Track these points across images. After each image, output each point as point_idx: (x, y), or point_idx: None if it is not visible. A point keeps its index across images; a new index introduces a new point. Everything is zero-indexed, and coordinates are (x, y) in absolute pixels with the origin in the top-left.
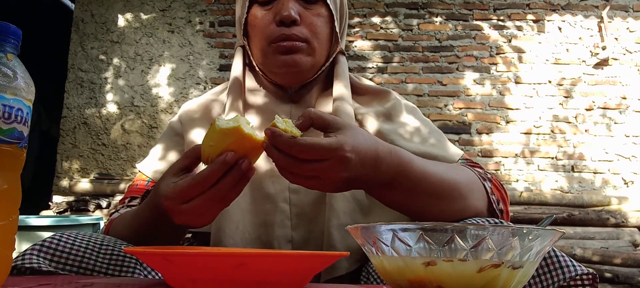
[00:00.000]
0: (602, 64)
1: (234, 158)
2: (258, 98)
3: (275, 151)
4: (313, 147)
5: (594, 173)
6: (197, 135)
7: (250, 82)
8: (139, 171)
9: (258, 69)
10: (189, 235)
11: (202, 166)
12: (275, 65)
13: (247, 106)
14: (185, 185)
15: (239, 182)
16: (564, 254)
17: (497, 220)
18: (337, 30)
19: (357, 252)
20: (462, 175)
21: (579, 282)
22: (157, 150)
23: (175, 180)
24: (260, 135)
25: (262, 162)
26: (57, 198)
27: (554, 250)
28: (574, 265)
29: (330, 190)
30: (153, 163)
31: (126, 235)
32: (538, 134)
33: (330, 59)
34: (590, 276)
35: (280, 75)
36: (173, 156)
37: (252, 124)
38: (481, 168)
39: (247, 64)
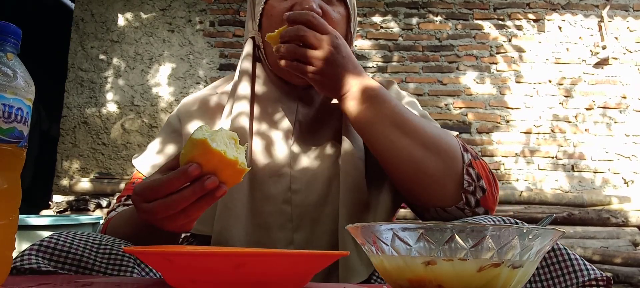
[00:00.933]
0: (602, 63)
1: (197, 171)
2: (265, 91)
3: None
4: (322, 21)
5: (594, 172)
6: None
7: (258, 73)
8: (136, 169)
9: (268, 63)
10: (188, 234)
11: None
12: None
13: (254, 97)
14: (149, 183)
15: (202, 199)
16: (578, 257)
17: (499, 218)
18: (352, 30)
19: None
20: (436, 131)
21: (594, 285)
22: (154, 145)
23: (155, 176)
24: (240, 157)
25: (262, 161)
26: (57, 198)
27: (567, 252)
28: (587, 269)
29: (321, 73)
30: (150, 159)
31: (123, 233)
32: (538, 133)
33: None
34: (604, 279)
35: (290, 75)
36: (170, 151)
37: (256, 114)
38: (472, 151)
39: (256, 56)
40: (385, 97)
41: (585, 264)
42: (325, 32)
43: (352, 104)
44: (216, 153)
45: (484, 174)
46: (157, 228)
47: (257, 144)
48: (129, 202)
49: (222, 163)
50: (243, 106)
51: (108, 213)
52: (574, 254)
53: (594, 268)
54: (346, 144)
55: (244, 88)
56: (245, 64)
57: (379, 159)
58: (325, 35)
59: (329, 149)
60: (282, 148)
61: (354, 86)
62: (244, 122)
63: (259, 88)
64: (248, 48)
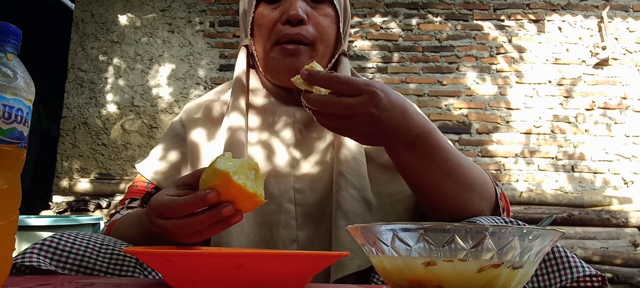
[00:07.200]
0: (602, 63)
1: (216, 198)
2: (261, 99)
3: (310, 96)
4: (348, 80)
5: (594, 173)
6: (198, 137)
7: (253, 81)
8: (140, 173)
9: (262, 71)
10: None
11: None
12: (278, 68)
13: (250, 106)
14: (166, 201)
15: (217, 224)
16: (574, 255)
17: (499, 219)
18: (342, 30)
19: None
20: (476, 169)
21: (589, 283)
22: (157, 150)
23: (171, 192)
24: (259, 189)
25: (265, 162)
26: (57, 198)
27: (564, 250)
28: (583, 266)
29: (363, 136)
30: (153, 165)
31: (129, 237)
32: (538, 133)
33: (333, 60)
34: (599, 278)
35: (282, 78)
36: (173, 157)
37: (254, 122)
38: (498, 184)
39: (251, 64)
40: (437, 144)
41: (580, 261)
42: (357, 92)
43: (399, 155)
44: (237, 186)
45: (506, 205)
46: (166, 239)
47: (258, 152)
48: (132, 205)
49: (241, 194)
50: (240, 116)
51: (111, 216)
52: (571, 253)
53: (590, 266)
54: (344, 146)
55: (240, 97)
56: (239, 74)
57: (419, 197)
58: (358, 97)
59: (329, 149)
60: (283, 153)
61: (401, 136)
62: (242, 132)
63: (255, 98)
64: (242, 56)
